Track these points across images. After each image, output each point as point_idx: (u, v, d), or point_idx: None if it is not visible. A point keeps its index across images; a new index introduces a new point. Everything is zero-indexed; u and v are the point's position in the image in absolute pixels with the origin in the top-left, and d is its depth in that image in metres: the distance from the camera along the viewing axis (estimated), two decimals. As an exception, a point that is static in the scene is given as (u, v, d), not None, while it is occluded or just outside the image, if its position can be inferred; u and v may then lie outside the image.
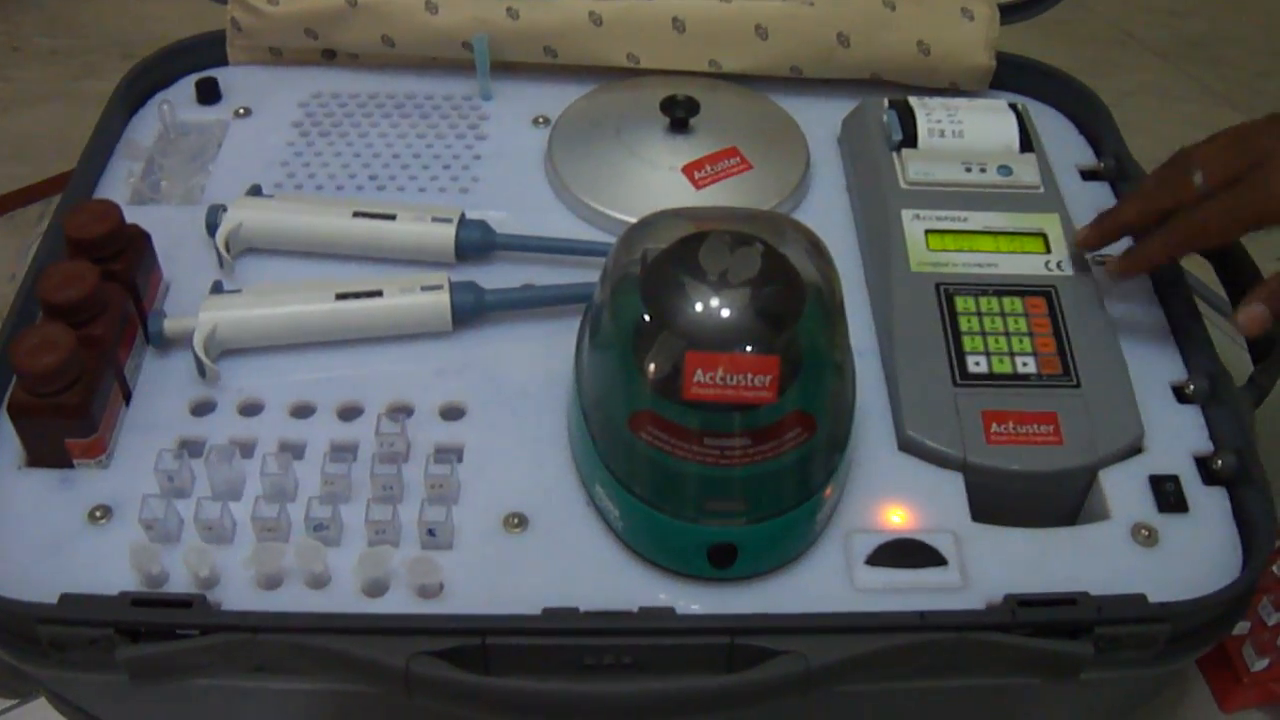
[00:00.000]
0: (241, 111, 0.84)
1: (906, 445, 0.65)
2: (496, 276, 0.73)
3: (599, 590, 0.60)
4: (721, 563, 0.59)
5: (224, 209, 0.74)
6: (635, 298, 0.58)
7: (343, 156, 0.80)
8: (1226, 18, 1.61)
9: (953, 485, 0.64)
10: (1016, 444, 0.64)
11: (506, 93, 0.85)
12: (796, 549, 0.61)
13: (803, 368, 0.58)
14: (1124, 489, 0.64)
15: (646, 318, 0.57)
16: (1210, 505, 0.64)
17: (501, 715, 0.57)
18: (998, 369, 0.67)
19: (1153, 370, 0.69)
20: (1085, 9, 1.60)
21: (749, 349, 0.56)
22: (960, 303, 0.69)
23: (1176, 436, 0.67)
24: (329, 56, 0.87)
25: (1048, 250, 0.72)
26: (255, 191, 0.76)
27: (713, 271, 0.58)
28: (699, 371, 0.55)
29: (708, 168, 0.76)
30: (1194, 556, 0.62)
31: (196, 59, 0.88)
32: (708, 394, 0.55)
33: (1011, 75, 0.86)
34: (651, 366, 0.57)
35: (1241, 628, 0.69)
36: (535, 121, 0.83)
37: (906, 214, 0.73)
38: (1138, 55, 1.55)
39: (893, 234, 0.72)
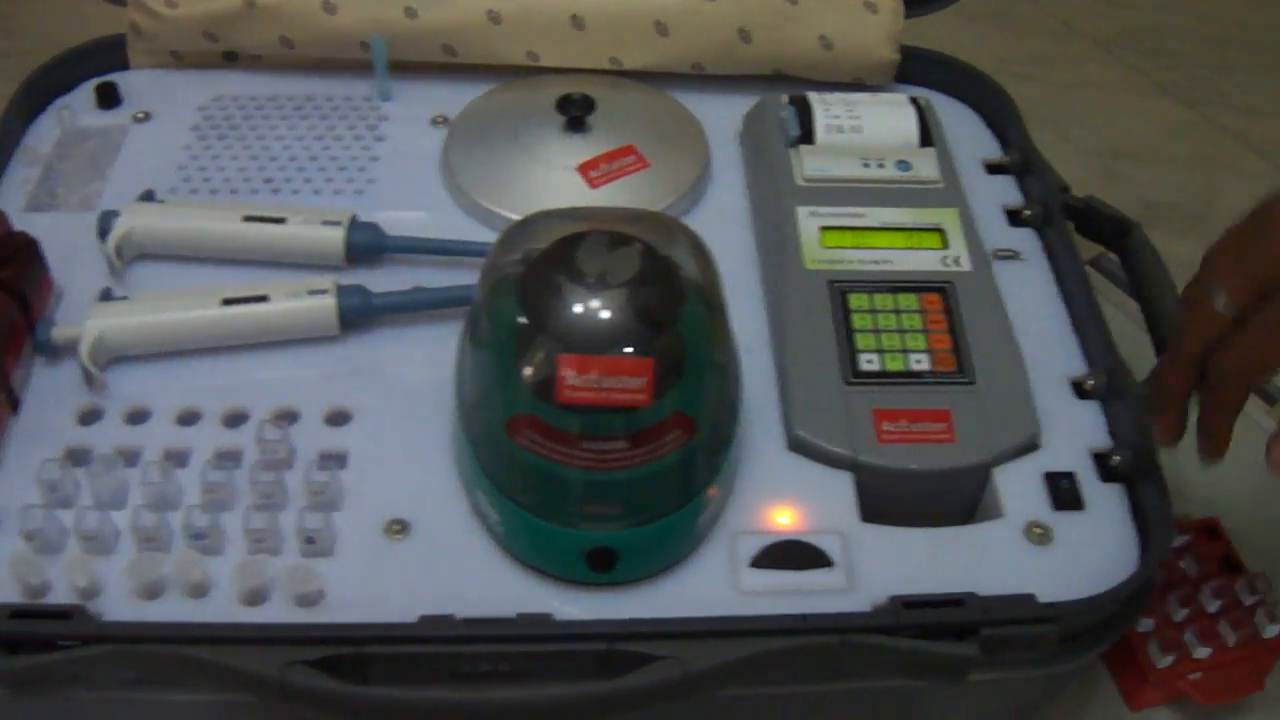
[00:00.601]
0: (141, 116, 0.83)
1: (796, 445, 0.64)
2: (388, 279, 0.71)
3: (479, 597, 0.59)
4: (601, 567, 0.58)
5: (116, 215, 0.73)
6: (511, 300, 0.57)
7: (239, 160, 0.79)
8: (1168, 8, 1.60)
9: (842, 485, 0.63)
10: (908, 442, 0.63)
11: (406, 93, 0.84)
12: (678, 552, 0.60)
13: (683, 369, 0.57)
14: (1018, 487, 0.63)
15: (522, 320, 0.56)
16: (1107, 502, 0.63)
17: (377, 724, 0.56)
18: (890, 367, 0.66)
19: (1052, 366, 0.69)
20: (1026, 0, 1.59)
21: (626, 350, 0.55)
22: (854, 300, 0.68)
23: (1074, 433, 0.66)
24: (231, 59, 0.86)
25: (945, 245, 0.71)
26: (148, 197, 0.75)
27: (590, 272, 0.57)
28: (572, 374, 0.54)
29: (603, 166, 0.75)
30: (1089, 555, 0.61)
31: (100, 62, 0.86)
32: (581, 397, 0.54)
33: (918, 69, 0.85)
34: (528, 369, 0.56)
35: (1147, 625, 0.68)
36: (434, 121, 0.81)
37: (802, 211, 0.72)
38: (1079, 47, 1.54)
39: (787, 231, 0.71)
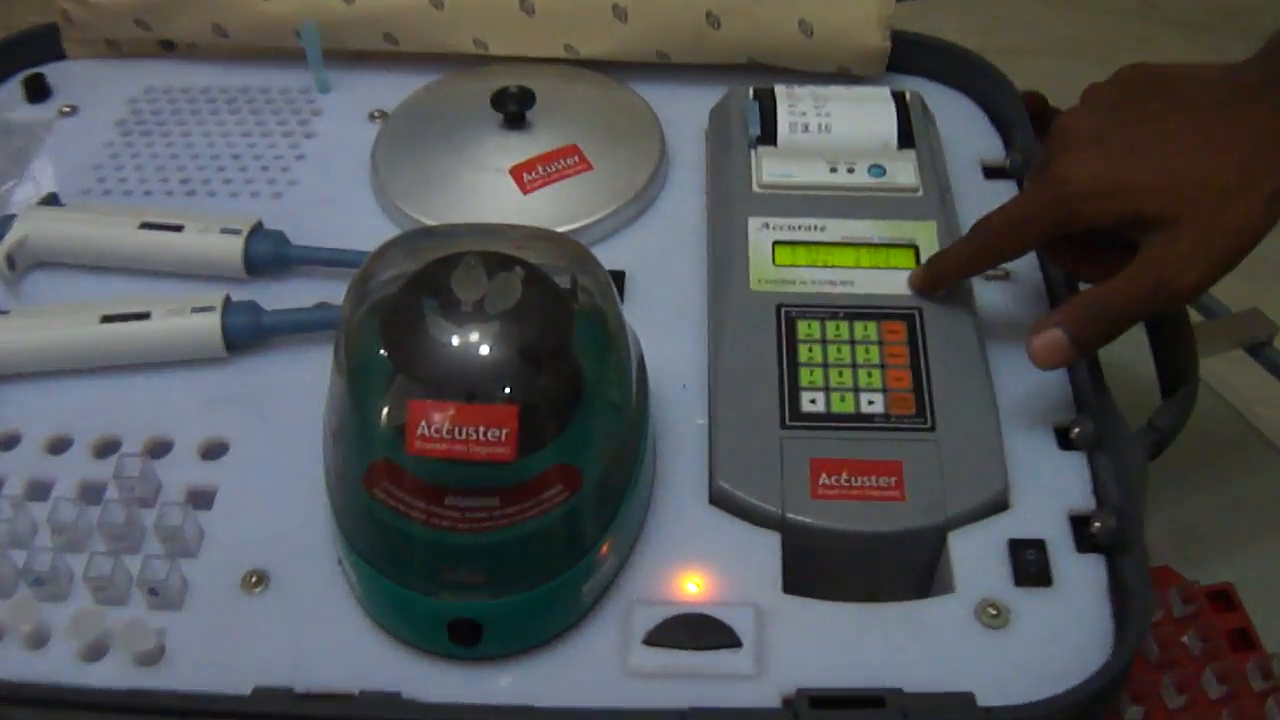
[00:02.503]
0: (67, 109, 0.77)
1: (718, 498, 0.55)
2: (293, 294, 0.64)
3: (331, 665, 0.51)
4: (464, 641, 0.50)
5: (11, 219, 0.67)
6: (373, 328, 0.50)
7: (159, 159, 0.72)
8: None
9: (766, 548, 0.54)
10: (848, 499, 0.54)
11: (347, 85, 0.76)
12: (557, 625, 0.51)
13: (568, 413, 0.49)
14: (976, 556, 0.53)
15: (382, 353, 0.49)
16: (1081, 578, 0.53)
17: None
18: (837, 408, 0.56)
19: (1034, 409, 0.58)
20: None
21: (502, 391, 0.47)
22: (802, 328, 0.59)
23: (1052, 491, 0.56)
24: (168, 48, 0.79)
25: (918, 265, 0.61)
26: (51, 200, 0.69)
27: (465, 301, 0.49)
28: (423, 423, 0.47)
29: (539, 169, 0.66)
30: (1052, 642, 0.51)
31: (37, 53, 0.81)
32: (434, 450, 0.47)
33: (915, 57, 0.75)
34: (385, 410, 0.49)
35: (1135, 714, 0.57)
36: (372, 116, 0.74)
37: (754, 223, 0.63)
38: (1160, 28, 1.40)
39: (735, 246, 0.62)
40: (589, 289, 0.52)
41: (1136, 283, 0.52)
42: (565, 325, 0.50)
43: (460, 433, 0.47)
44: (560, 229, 0.64)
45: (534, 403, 0.48)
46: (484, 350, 0.48)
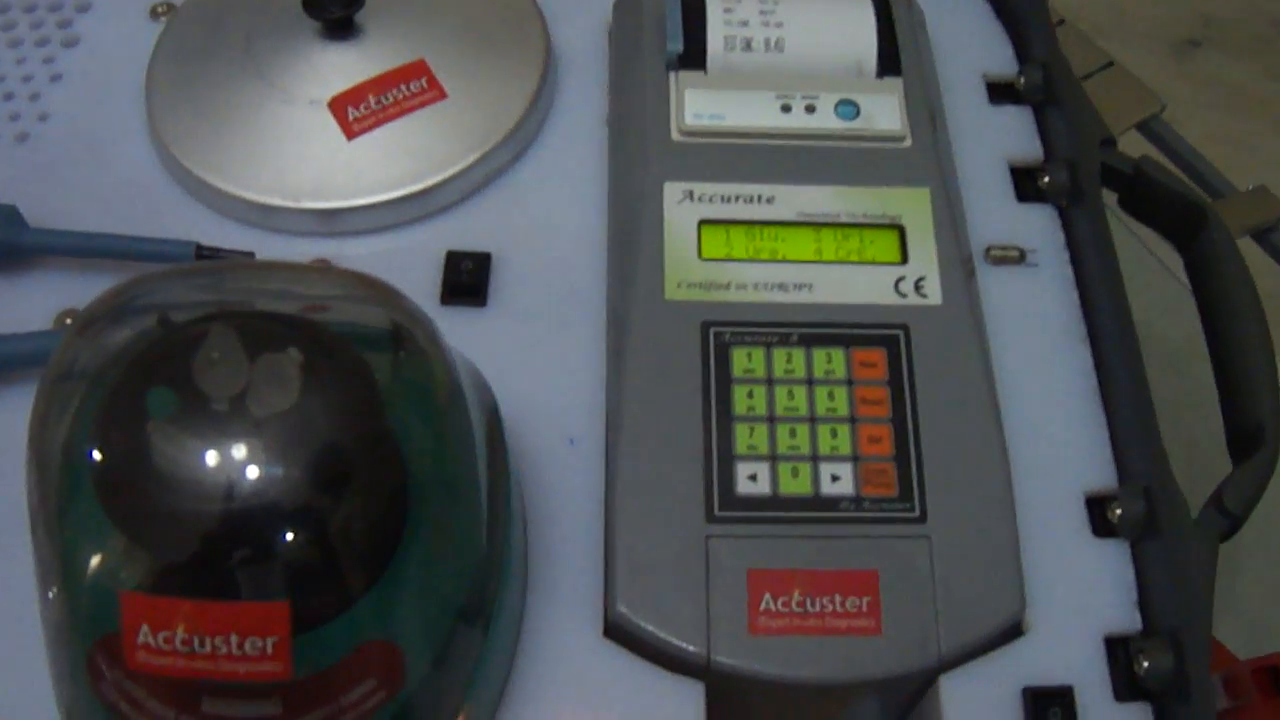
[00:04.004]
0: None
1: (616, 630, 0.39)
2: (23, 300, 0.46)
3: None
4: None
5: None
6: (77, 447, 0.32)
7: None
8: None
9: (685, 705, 0.38)
10: (802, 633, 0.38)
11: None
12: None
13: (381, 565, 0.32)
14: (978, 714, 0.38)
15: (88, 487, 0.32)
16: (1123, 738, 0.38)
17: None
18: (787, 488, 0.40)
19: (1059, 470, 0.42)
20: None
21: (271, 562, 0.31)
22: (739, 360, 0.41)
23: (1083, 604, 0.40)
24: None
25: (903, 258, 0.43)
26: None
27: (217, 400, 0.32)
28: (145, 629, 0.30)
29: (371, 100, 0.47)
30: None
31: None
32: (165, 667, 0.30)
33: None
34: (100, 577, 0.32)
35: None
36: (154, 13, 0.53)
37: (672, 191, 0.44)
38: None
39: (643, 228, 0.44)
40: (413, 358, 0.35)
41: None
42: (374, 425, 0.33)
43: (203, 644, 0.30)
44: (398, 192, 0.46)
45: (329, 561, 0.31)
46: (243, 484, 0.31)
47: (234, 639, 0.30)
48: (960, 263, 0.43)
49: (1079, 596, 0.40)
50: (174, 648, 0.30)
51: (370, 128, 0.47)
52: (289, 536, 0.31)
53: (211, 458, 0.31)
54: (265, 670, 0.30)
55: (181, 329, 0.33)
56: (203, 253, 0.45)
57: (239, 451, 0.31)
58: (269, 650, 0.30)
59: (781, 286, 0.43)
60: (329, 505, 0.32)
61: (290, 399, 0.32)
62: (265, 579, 0.31)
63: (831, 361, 0.41)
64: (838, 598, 0.38)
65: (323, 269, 0.39)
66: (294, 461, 0.31)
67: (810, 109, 0.46)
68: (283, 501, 0.31)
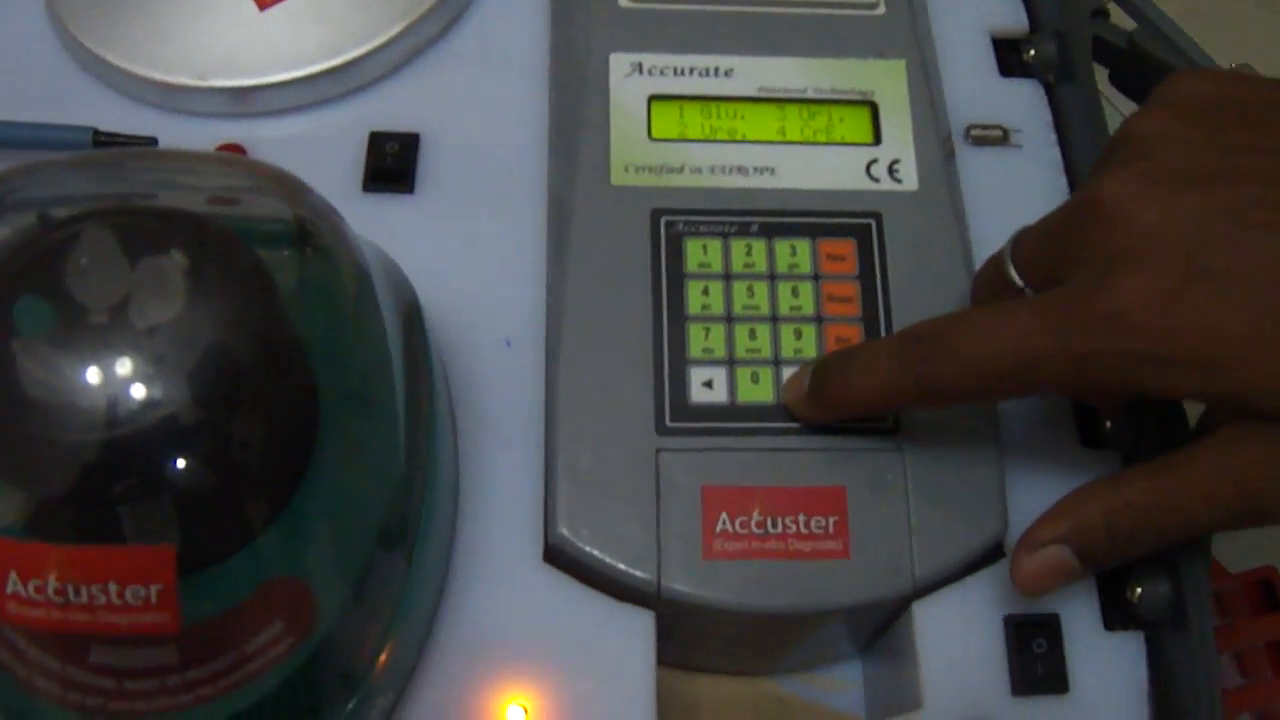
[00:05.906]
0: None
1: (556, 554, 0.35)
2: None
3: None
4: None
5: None
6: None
7: None
8: None
9: (632, 636, 0.34)
10: (762, 557, 0.34)
11: None
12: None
13: (287, 489, 0.28)
14: (953, 640, 0.35)
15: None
16: (1115, 671, 0.35)
17: None
18: (746, 395, 0.36)
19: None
20: None
21: (156, 495, 0.26)
22: (693, 252, 0.37)
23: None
24: None
25: (875, 138, 0.39)
26: None
27: (92, 308, 0.27)
28: (14, 577, 0.27)
29: (283, -37, 0.42)
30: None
31: None
32: (36, 619, 0.27)
33: None
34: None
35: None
36: None
37: (618, 63, 0.39)
38: None
39: (586, 105, 0.39)
40: (318, 255, 0.30)
41: (1209, 484, 0.30)
42: (274, 332, 0.29)
43: (78, 593, 0.26)
44: (315, 66, 0.41)
45: (226, 491, 0.28)
46: (124, 406, 0.27)
47: (113, 587, 0.26)
48: (938, 143, 0.39)
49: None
50: (47, 597, 0.26)
51: (280, -5, 0.42)
52: (179, 464, 0.27)
53: (90, 377, 0.27)
54: (149, 621, 0.27)
55: (55, 229, 0.29)
56: (100, 139, 0.40)
57: (120, 368, 0.27)
58: (153, 599, 0.26)
59: (741, 170, 0.38)
60: (224, 427, 0.27)
61: (177, 307, 0.28)
62: (152, 516, 0.27)
63: (796, 254, 0.37)
64: (802, 517, 0.34)
65: (220, 156, 0.34)
66: (182, 378, 0.27)
67: (774, -31, 0.41)
68: (170, 425, 0.27)
